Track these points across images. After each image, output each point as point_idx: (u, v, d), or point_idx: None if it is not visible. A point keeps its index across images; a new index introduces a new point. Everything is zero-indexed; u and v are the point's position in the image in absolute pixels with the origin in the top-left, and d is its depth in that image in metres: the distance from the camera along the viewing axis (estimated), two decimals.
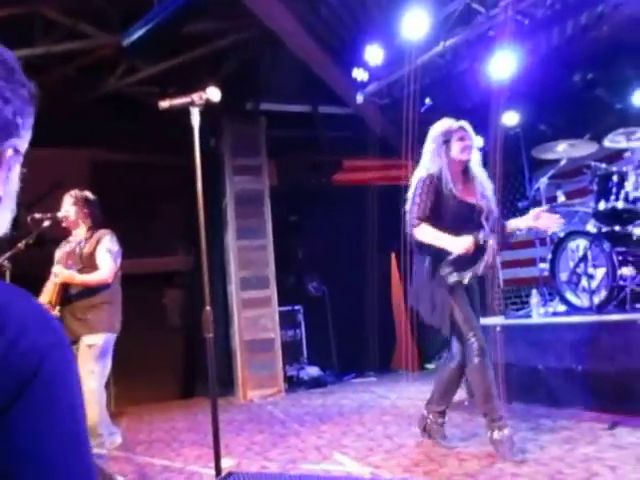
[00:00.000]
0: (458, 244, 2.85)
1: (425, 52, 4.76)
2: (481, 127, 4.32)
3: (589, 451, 2.83)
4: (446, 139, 3.06)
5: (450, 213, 2.98)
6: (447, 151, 3.05)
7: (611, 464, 2.60)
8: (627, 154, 4.45)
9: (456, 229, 2.92)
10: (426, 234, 2.94)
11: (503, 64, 4.70)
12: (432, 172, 3.03)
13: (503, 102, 4.99)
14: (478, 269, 2.95)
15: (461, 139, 3.06)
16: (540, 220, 3.13)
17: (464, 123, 3.12)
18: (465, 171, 3.13)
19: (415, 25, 4.53)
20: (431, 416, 3.27)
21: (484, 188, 3.11)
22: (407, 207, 3.08)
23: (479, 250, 2.94)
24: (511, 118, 5.44)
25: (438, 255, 2.95)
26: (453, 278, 2.91)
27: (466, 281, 2.92)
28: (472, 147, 3.09)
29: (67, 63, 5.49)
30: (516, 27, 4.29)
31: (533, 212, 3.20)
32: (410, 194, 3.08)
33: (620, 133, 4.45)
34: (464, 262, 2.92)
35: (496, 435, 2.87)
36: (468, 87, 5.18)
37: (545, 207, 3.31)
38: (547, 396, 3.88)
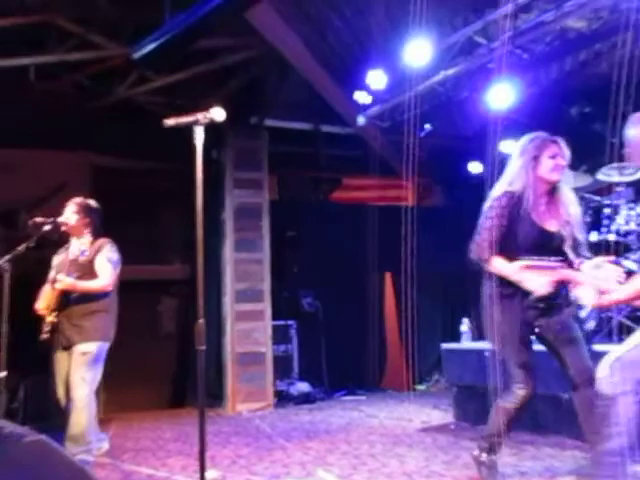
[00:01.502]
0: (537, 283, 2.47)
1: (426, 79, 4.88)
2: (480, 154, 4.40)
3: None
4: (536, 154, 2.71)
5: (525, 238, 2.67)
6: (535, 168, 2.70)
7: None
8: (619, 188, 4.55)
9: (530, 256, 2.56)
10: (501, 269, 2.64)
11: (502, 95, 4.82)
12: (514, 189, 2.71)
13: (502, 131, 5.10)
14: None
15: (553, 157, 2.70)
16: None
17: (559, 139, 2.76)
18: (552, 192, 2.76)
19: (418, 53, 4.66)
20: None
21: (569, 214, 2.76)
22: (479, 222, 2.77)
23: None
24: (510, 147, 5.53)
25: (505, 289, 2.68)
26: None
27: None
28: (564, 167, 2.74)
29: (79, 70, 5.61)
30: (516, 60, 4.41)
31: (595, 261, 2.58)
32: (485, 208, 2.77)
33: (613, 167, 4.56)
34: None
35: (484, 457, 2.88)
36: (467, 115, 5.30)
37: (608, 257, 2.73)
38: (532, 423, 3.91)
